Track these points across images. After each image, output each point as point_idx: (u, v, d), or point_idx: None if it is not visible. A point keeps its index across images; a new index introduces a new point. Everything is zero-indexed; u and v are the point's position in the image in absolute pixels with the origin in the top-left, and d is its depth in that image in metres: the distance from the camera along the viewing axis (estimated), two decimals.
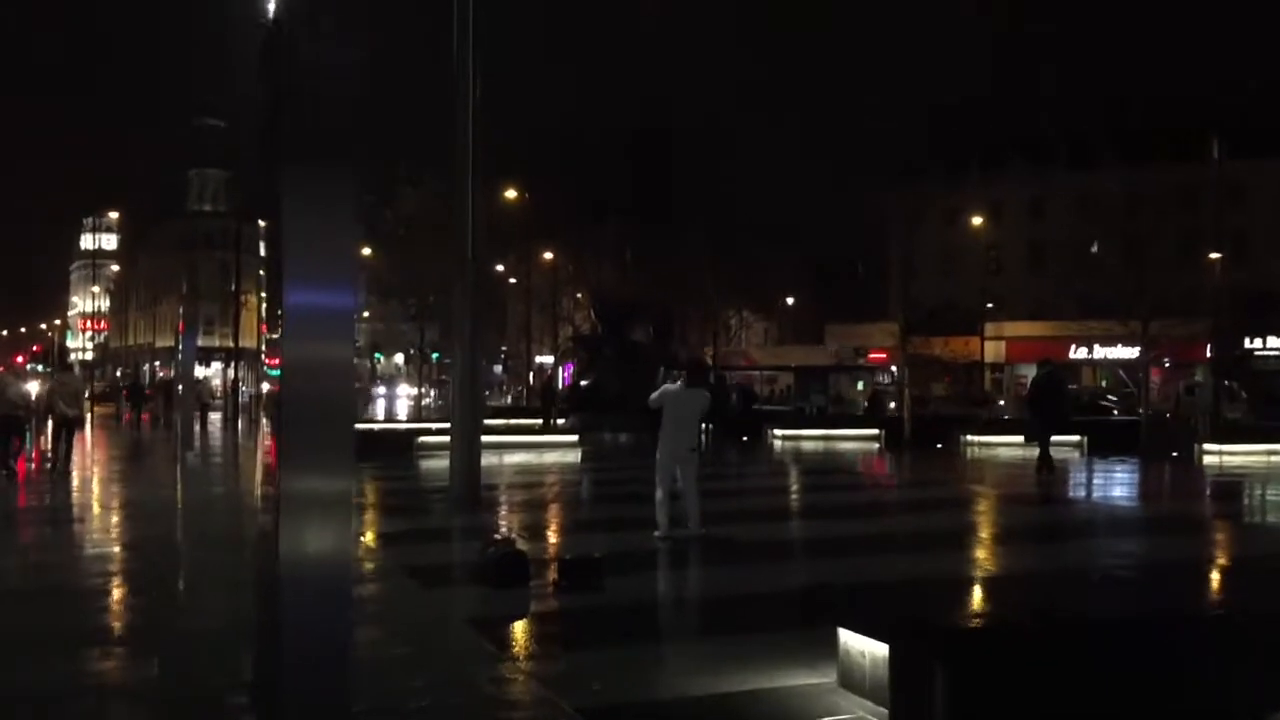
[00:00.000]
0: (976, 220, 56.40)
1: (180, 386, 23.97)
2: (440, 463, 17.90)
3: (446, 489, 14.21)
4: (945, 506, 14.67)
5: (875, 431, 29.95)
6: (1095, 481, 20.32)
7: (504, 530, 10.74)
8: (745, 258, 62.78)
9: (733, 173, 54.46)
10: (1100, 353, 54.84)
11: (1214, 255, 37.80)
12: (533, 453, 23.01)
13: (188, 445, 22.24)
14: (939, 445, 27.21)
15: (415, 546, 10.84)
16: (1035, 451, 19.68)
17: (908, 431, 29.63)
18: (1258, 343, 53.23)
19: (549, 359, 69.29)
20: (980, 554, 10.77)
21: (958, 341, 55.66)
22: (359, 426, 28.90)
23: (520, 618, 7.48)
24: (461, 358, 13.86)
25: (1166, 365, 51.60)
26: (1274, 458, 24.83)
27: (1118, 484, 19.96)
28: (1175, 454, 25.76)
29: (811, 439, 30.14)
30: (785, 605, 7.85)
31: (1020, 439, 25.01)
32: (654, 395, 10.91)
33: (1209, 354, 51.92)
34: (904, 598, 8.18)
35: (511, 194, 46.48)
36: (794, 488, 18.17)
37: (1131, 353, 54.67)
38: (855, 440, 29.47)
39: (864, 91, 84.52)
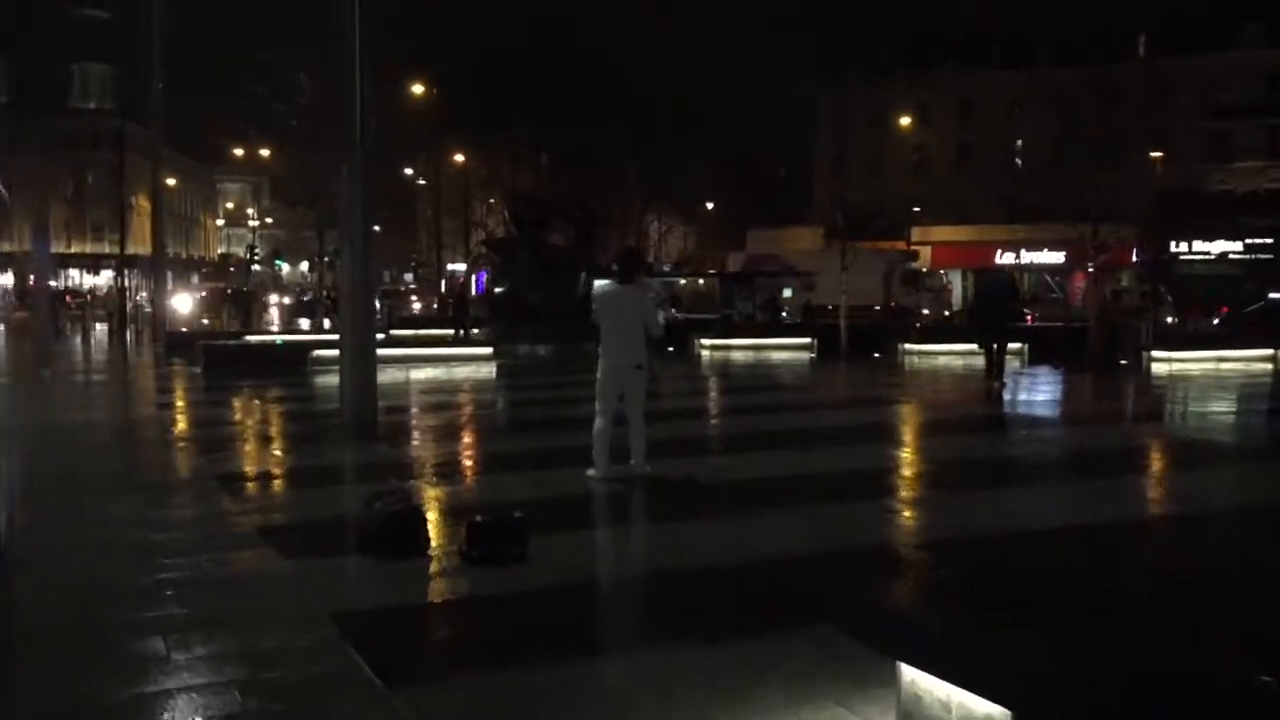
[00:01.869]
0: (904, 121, 54.43)
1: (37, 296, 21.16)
2: (335, 378, 15.81)
3: (335, 413, 12.05)
4: (939, 431, 12.86)
5: (807, 340, 28.18)
6: (1069, 395, 18.75)
7: (398, 479, 8.60)
8: (665, 157, 60.48)
9: (652, 70, 51.90)
10: (1027, 258, 53.67)
11: (1155, 154, 36.13)
12: (443, 367, 20.81)
13: (42, 360, 19.60)
14: (876, 355, 25.61)
15: (283, 494, 8.68)
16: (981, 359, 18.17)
17: (844, 341, 28.02)
18: (1183, 246, 52.29)
19: (461, 266, 66.68)
20: (1004, 501, 8.79)
21: (883, 245, 54.27)
22: (252, 340, 26.71)
23: (409, 610, 5.40)
24: (350, 259, 11.57)
25: (1090, 270, 50.78)
26: (1225, 365, 23.68)
27: (1086, 397, 18.42)
28: (1123, 362, 24.54)
29: (742, 349, 28.30)
30: (774, 584, 5.89)
31: (956, 346, 23.80)
32: (593, 306, 8.76)
33: (1134, 258, 51.33)
34: (932, 568, 6.28)
35: (418, 89, 43.52)
36: (740, 407, 16.06)
37: (1057, 258, 53.94)
38: (787, 350, 27.68)
39: None
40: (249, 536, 6.83)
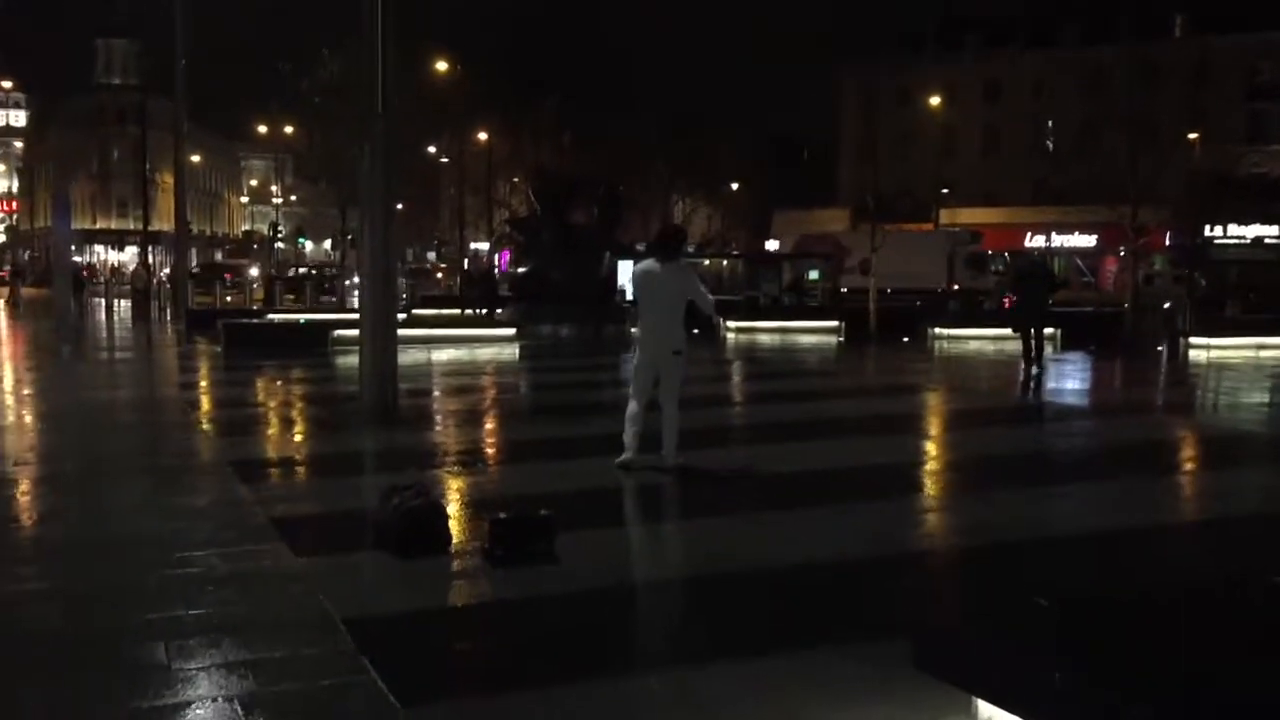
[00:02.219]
0: (933, 101, 53.58)
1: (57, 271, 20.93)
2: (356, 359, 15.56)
3: (355, 396, 11.73)
4: (984, 422, 12.38)
5: (834, 324, 27.67)
6: (1105, 382, 18.21)
7: (418, 467, 8.24)
8: (693, 138, 59.77)
9: (679, 51, 51.30)
10: (1058, 241, 52.93)
11: (1192, 135, 35.32)
12: (466, 348, 20.46)
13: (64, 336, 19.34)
14: (905, 339, 25.11)
15: (299, 483, 8.34)
16: (1017, 345, 17.70)
17: (873, 324, 27.57)
18: (1217, 230, 51.36)
19: (484, 246, 66.29)
20: (1064, 498, 8.32)
21: (911, 228, 53.59)
22: (274, 318, 26.43)
23: (427, 616, 5.04)
24: (370, 235, 11.21)
25: (1121, 254, 49.96)
26: (1265, 352, 23.07)
27: (1134, 384, 17.86)
28: (1160, 348, 23.95)
29: (767, 331, 27.87)
30: (824, 591, 5.49)
31: (986, 331, 23.55)
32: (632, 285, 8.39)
33: (1167, 242, 50.45)
34: (1000, 576, 5.87)
35: (442, 65, 43.10)
36: (769, 393, 15.59)
37: (1089, 241, 53.16)
38: (815, 334, 27.21)
39: None
40: (262, 530, 6.48)
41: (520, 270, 25.79)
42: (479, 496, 7.50)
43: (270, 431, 10.99)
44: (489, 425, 11.68)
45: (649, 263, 8.27)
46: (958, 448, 10.31)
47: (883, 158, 65.14)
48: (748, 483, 8.18)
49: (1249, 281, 43.07)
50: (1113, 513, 7.30)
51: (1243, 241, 50.82)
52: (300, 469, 8.80)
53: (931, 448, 10.24)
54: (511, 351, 20.25)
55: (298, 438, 10.51)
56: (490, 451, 9.94)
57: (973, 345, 24.19)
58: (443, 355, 19.13)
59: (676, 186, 65.21)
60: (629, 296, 9.91)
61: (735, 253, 63.99)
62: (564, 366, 18.26)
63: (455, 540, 6.08)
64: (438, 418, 11.87)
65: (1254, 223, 51.13)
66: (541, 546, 5.75)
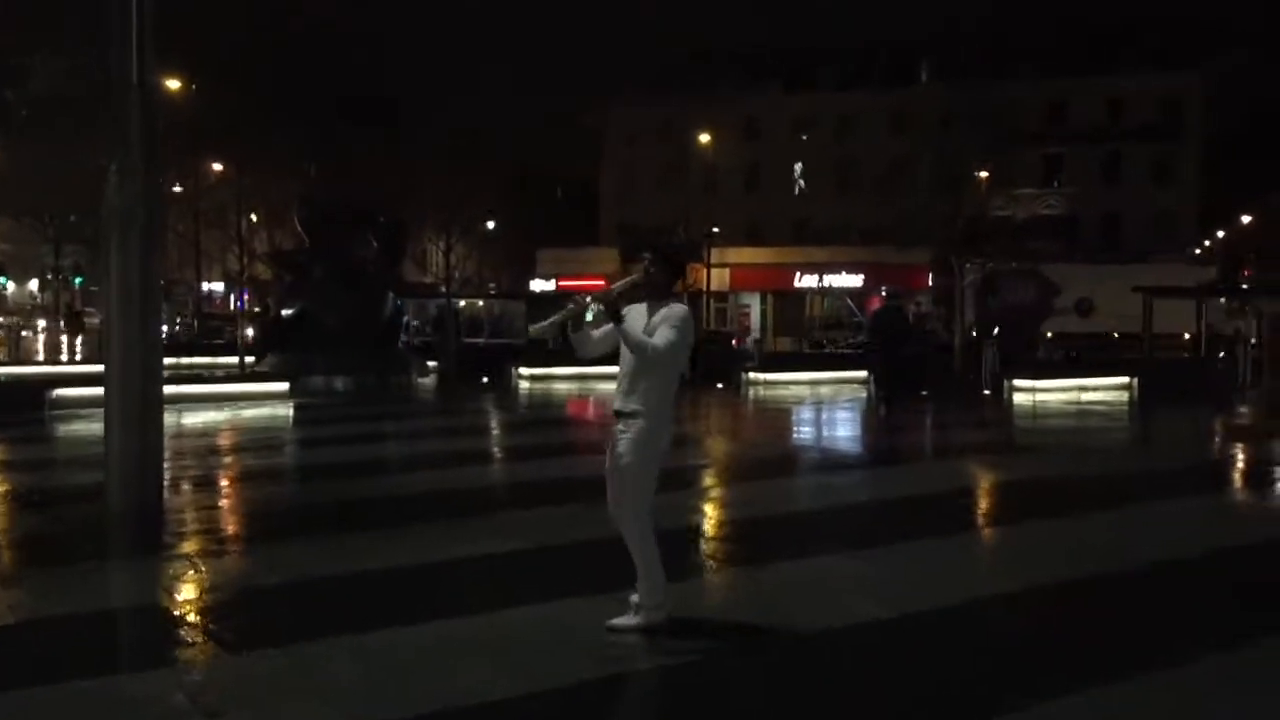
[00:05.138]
0: (703, 139, 52.63)
1: None
2: (90, 427, 11.70)
3: (100, 491, 8.10)
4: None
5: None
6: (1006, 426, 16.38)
7: (205, 635, 4.90)
8: (450, 172, 56.32)
9: (424, 82, 48.03)
10: (827, 280, 52.72)
11: (983, 174, 35.31)
12: (228, 409, 16.60)
13: None
14: (719, 385, 23.03)
15: None
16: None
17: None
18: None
19: (219, 286, 60.61)
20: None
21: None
22: None
23: None
24: (123, 265, 7.69)
25: (884, 294, 50.25)
26: (1085, 394, 22.29)
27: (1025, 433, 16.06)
28: (986, 391, 22.87)
29: (566, 379, 25.17)
30: None
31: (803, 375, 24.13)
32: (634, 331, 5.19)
33: (930, 282, 51.18)
34: None
35: (174, 84, 38.23)
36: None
37: (856, 280, 53.28)
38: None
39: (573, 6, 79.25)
40: None
41: (286, 313, 21.88)
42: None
43: None
44: (298, 548, 7.92)
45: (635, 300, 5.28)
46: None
47: (645, 195, 64.24)
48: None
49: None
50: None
51: None
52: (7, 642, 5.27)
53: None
54: (285, 412, 16.56)
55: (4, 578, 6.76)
56: (315, 604, 6.54)
57: (791, 390, 22.51)
58: (196, 419, 15.30)
59: (431, 223, 61.53)
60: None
61: (493, 292, 61.00)
62: (359, 434, 14.70)
63: None
64: (227, 529, 8.29)
65: (1010, 263, 52.72)
66: None
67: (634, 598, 5.19)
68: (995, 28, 57.71)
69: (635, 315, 5.04)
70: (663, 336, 4.94)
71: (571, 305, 5.11)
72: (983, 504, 9.89)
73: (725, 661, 4.97)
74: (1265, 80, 65.90)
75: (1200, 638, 5.44)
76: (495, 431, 15.98)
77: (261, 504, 9.10)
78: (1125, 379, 23.28)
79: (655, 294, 5.10)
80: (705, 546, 7.47)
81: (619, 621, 5.10)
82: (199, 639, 5.28)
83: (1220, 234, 65.22)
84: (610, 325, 5.09)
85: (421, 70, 42.26)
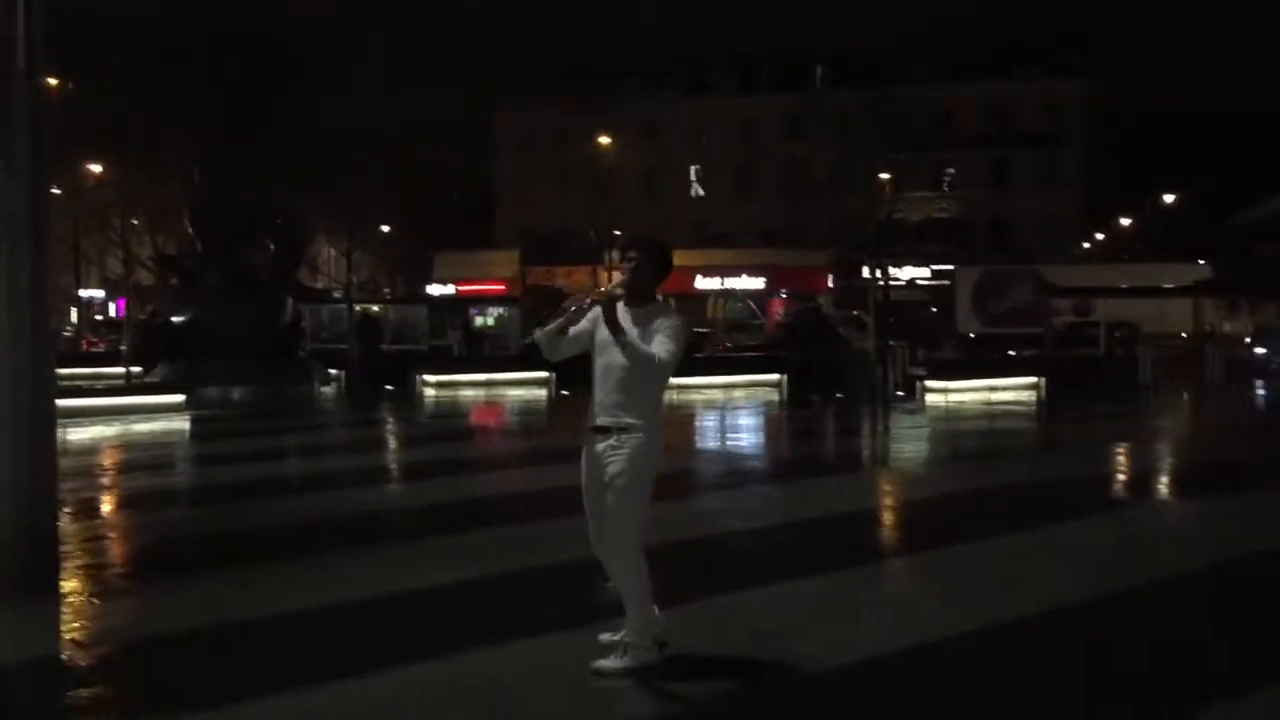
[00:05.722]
0: (603, 141, 52.21)
1: None
2: None
3: None
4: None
5: (545, 375, 24.36)
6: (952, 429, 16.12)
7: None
8: (340, 177, 54.81)
9: (327, 80, 46.58)
10: (730, 283, 52.54)
11: (884, 175, 35.52)
12: (116, 423, 15.53)
13: None
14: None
15: None
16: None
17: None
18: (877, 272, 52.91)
19: (99, 293, 58.04)
20: None
21: (581, 272, 51.74)
22: None
23: None
24: (12, 269, 6.85)
25: (784, 296, 50.36)
26: (996, 394, 22.39)
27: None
28: (900, 394, 22.78)
29: (474, 385, 24.43)
30: None
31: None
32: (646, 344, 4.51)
33: (830, 284, 51.48)
34: None
35: (51, 81, 36.31)
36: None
37: (758, 283, 53.29)
38: (528, 385, 24.03)
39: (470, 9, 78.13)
40: None
41: (175, 320, 20.72)
42: None
43: None
44: (211, 580, 7.21)
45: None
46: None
47: (543, 199, 63.47)
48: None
49: (910, 320, 44.45)
50: None
51: (899, 283, 52.61)
52: None
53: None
54: (181, 426, 15.57)
55: None
56: (238, 656, 5.82)
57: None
58: (83, 435, 14.25)
59: (320, 227, 59.85)
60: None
61: (388, 296, 59.52)
62: (269, 450, 13.80)
63: None
64: (128, 562, 7.48)
65: (906, 264, 53.45)
66: None
67: (614, 636, 4.64)
68: (886, 34, 58.58)
69: (622, 320, 4.49)
70: (664, 347, 4.43)
71: (571, 309, 4.56)
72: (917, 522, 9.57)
73: (736, 705, 4.44)
74: (1144, 88, 68.19)
75: None
76: (412, 445, 15.25)
77: (164, 531, 8.29)
78: (1033, 379, 23.45)
79: (640, 296, 4.57)
80: (684, 568, 6.95)
81: (605, 664, 4.54)
82: (105, 695, 4.57)
83: (1099, 236, 67.05)
84: (585, 326, 4.57)
85: (307, 69, 40.89)
